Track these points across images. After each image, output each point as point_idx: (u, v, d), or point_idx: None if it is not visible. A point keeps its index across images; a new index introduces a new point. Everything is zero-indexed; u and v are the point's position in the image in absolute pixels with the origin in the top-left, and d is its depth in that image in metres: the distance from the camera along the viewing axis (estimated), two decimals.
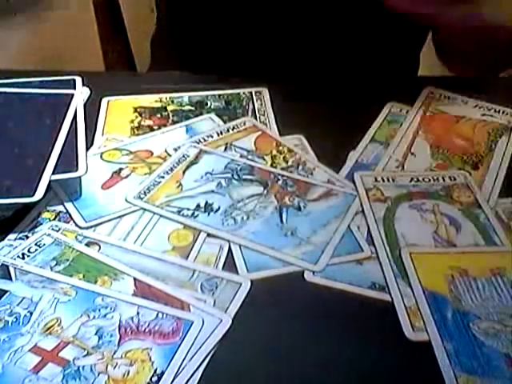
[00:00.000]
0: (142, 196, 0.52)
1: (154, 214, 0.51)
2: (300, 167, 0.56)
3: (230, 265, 0.47)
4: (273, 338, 0.42)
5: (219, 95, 0.66)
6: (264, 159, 0.57)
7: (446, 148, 0.58)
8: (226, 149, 0.58)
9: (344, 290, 0.45)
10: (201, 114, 0.63)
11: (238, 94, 0.66)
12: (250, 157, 0.57)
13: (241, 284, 0.45)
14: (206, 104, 0.65)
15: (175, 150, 0.58)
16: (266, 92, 0.66)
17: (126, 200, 0.52)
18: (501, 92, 0.68)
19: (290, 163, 0.56)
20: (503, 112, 0.64)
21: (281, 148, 0.58)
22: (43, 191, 0.49)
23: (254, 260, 0.47)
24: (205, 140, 0.59)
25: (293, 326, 0.43)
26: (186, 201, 0.52)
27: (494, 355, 0.40)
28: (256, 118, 0.63)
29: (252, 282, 0.45)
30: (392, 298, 0.44)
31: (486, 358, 0.40)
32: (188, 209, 0.51)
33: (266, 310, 0.44)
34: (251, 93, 0.66)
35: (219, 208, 0.51)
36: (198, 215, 0.51)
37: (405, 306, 0.43)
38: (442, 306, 0.43)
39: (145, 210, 0.51)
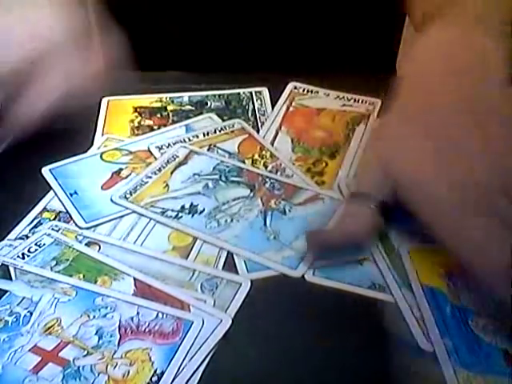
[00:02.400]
0: (127, 196, 0.52)
1: (138, 214, 0.50)
2: (279, 173, 0.55)
3: (229, 265, 0.47)
4: (273, 337, 0.42)
5: (219, 95, 0.65)
6: (244, 163, 0.56)
7: (306, 141, 0.59)
8: (208, 150, 0.58)
9: (344, 290, 0.45)
10: (201, 113, 0.63)
11: (238, 93, 0.66)
12: (230, 159, 0.57)
13: (241, 284, 0.45)
14: (206, 104, 0.65)
15: (158, 148, 0.58)
16: (266, 92, 0.66)
17: (111, 200, 0.52)
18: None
19: (269, 168, 0.56)
20: (363, 101, 0.64)
21: (263, 153, 0.58)
22: None
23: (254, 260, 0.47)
24: (190, 140, 0.59)
25: (293, 325, 0.43)
26: (171, 202, 0.52)
27: (493, 351, 0.40)
28: (256, 118, 0.63)
29: (252, 281, 0.45)
30: (395, 300, 0.44)
31: (485, 355, 0.40)
32: (172, 210, 0.51)
33: (266, 309, 0.44)
34: (251, 93, 0.66)
35: (204, 210, 0.51)
36: (181, 216, 0.50)
37: (414, 315, 0.43)
38: (441, 303, 0.43)
39: (128, 209, 0.51)
